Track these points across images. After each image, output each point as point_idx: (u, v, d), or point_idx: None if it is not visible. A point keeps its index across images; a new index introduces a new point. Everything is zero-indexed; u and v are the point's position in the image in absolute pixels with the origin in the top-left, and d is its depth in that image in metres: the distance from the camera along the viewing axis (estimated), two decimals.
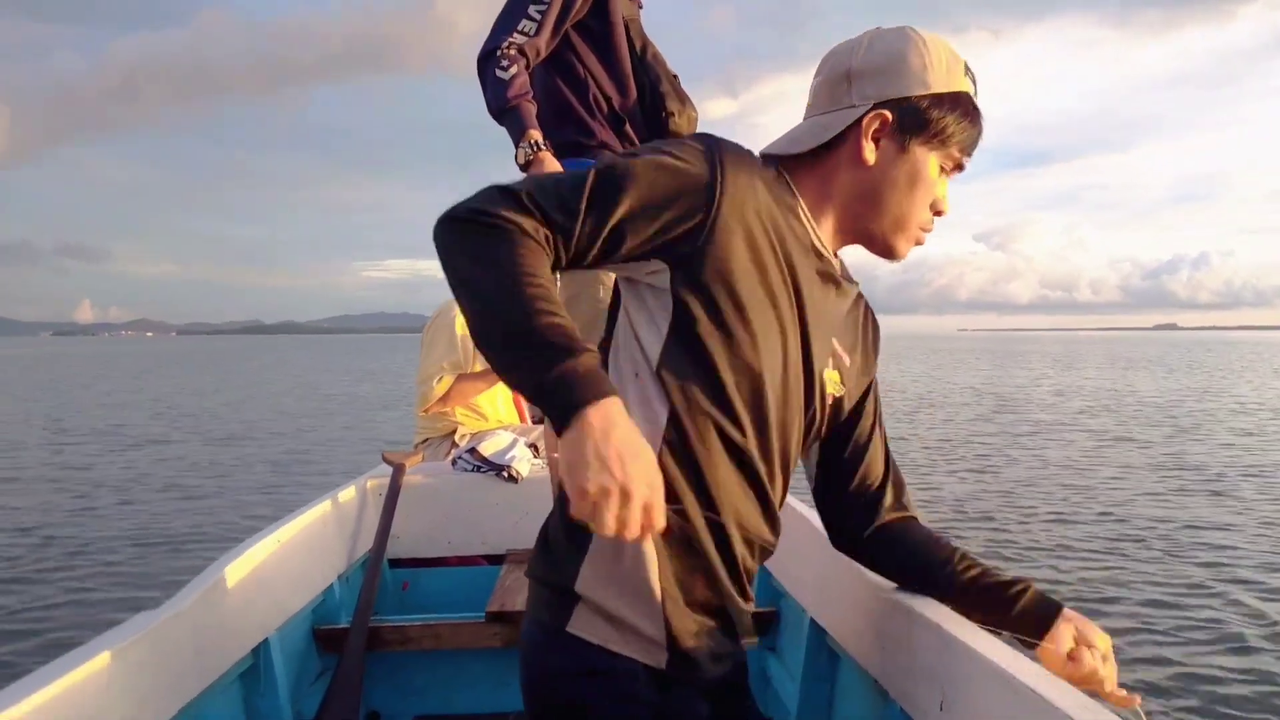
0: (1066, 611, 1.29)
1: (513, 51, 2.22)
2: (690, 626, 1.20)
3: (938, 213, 1.30)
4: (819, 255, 1.27)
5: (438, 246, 1.08)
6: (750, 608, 1.30)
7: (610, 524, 0.96)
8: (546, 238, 1.09)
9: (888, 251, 1.31)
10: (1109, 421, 16.50)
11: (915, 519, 1.45)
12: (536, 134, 2.15)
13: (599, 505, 0.96)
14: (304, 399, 24.79)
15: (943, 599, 1.38)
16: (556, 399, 0.99)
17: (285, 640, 2.08)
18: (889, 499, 1.43)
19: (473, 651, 2.31)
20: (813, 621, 1.96)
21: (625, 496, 0.96)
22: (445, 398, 3.59)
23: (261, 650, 1.96)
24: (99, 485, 10.32)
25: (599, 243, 1.12)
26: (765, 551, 1.32)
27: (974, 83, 1.28)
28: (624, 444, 0.97)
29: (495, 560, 2.86)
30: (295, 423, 17.96)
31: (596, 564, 1.19)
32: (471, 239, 1.06)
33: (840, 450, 1.42)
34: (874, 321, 1.46)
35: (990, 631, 1.28)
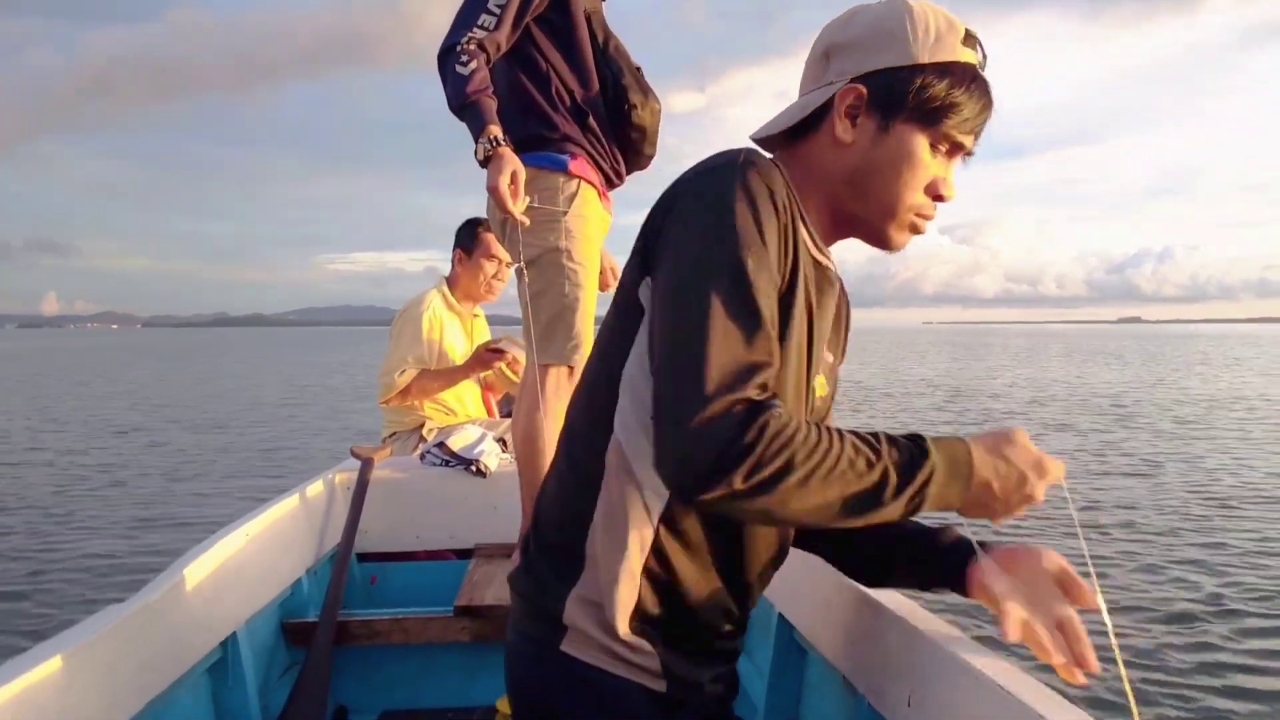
0: (981, 561, 1.15)
1: (472, 46, 2.20)
2: (685, 660, 1.16)
3: (938, 197, 1.16)
4: (816, 264, 1.17)
5: (759, 509, 0.97)
6: (746, 624, 1.27)
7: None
8: (778, 404, 0.99)
9: (881, 242, 1.20)
10: (1056, 411, 17.09)
11: None
12: (496, 129, 2.14)
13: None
14: (280, 390, 24.88)
15: (889, 575, 1.33)
16: (948, 491, 1.03)
17: (253, 634, 2.08)
18: None
19: (441, 645, 2.31)
20: (781, 617, 1.98)
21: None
22: (406, 391, 3.59)
23: (229, 643, 1.95)
24: (82, 477, 10.29)
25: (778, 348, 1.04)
26: (772, 574, 1.27)
27: (981, 53, 1.15)
28: (1015, 457, 1.06)
29: (464, 554, 2.86)
30: (273, 413, 18.09)
31: (583, 603, 1.14)
32: (769, 486, 0.95)
33: None
34: (847, 304, 1.36)
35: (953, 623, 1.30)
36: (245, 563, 2.09)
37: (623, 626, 1.12)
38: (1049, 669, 1.07)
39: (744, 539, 1.17)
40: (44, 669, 1.29)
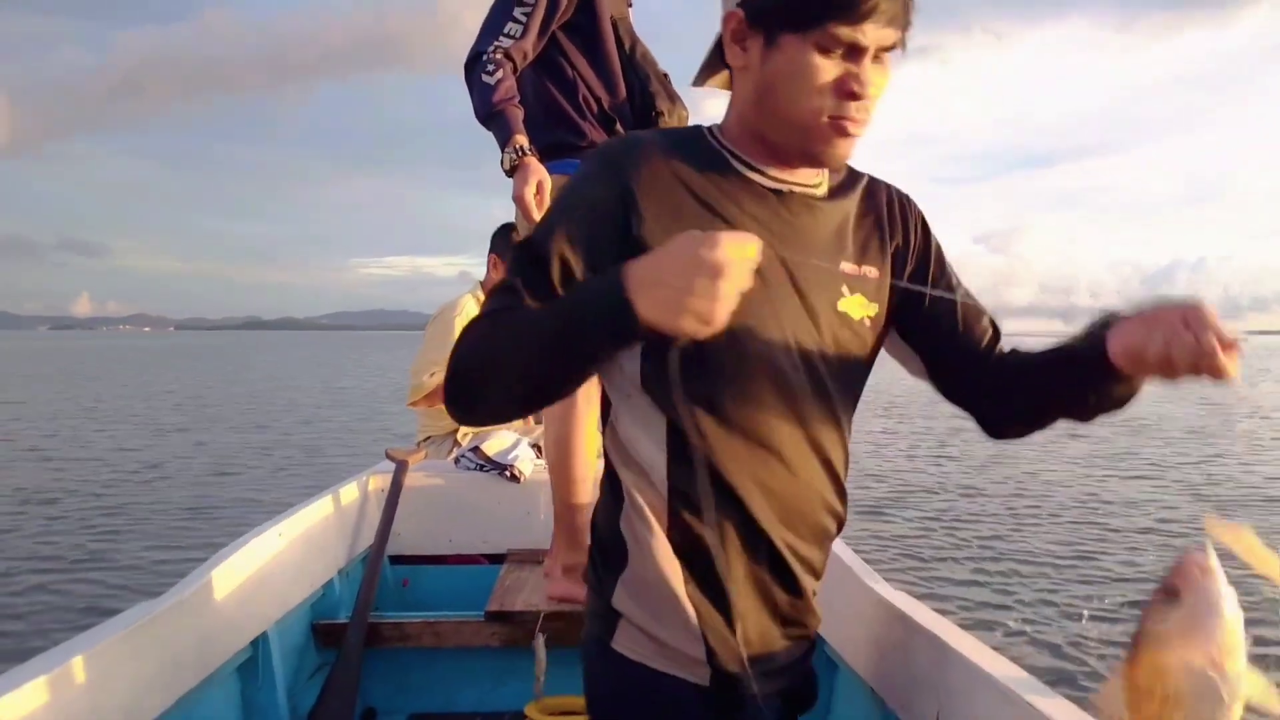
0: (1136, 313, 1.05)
1: (499, 55, 2.21)
2: (730, 639, 1.14)
3: (850, 95, 1.07)
4: (776, 194, 1.16)
5: (469, 406, 1.23)
6: (808, 602, 1.22)
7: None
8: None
9: (813, 158, 1.14)
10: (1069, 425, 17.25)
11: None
12: (522, 139, 2.14)
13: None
14: (318, 393, 25.36)
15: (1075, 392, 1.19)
16: (607, 316, 0.96)
17: (284, 634, 2.09)
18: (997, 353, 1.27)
19: (471, 650, 2.31)
20: None
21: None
22: (433, 394, 3.60)
23: (260, 643, 1.97)
24: (130, 473, 10.51)
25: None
26: (827, 529, 1.22)
27: None
28: (662, 265, 0.93)
29: (496, 559, 2.86)
30: (314, 413, 18.54)
31: (629, 584, 1.17)
32: (468, 360, 1.18)
33: (930, 345, 1.28)
34: (898, 202, 1.28)
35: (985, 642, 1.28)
36: (277, 563, 2.11)
37: (665, 607, 1.14)
38: (1078, 688, 1.05)
39: (752, 504, 1.14)
40: (75, 664, 1.31)
